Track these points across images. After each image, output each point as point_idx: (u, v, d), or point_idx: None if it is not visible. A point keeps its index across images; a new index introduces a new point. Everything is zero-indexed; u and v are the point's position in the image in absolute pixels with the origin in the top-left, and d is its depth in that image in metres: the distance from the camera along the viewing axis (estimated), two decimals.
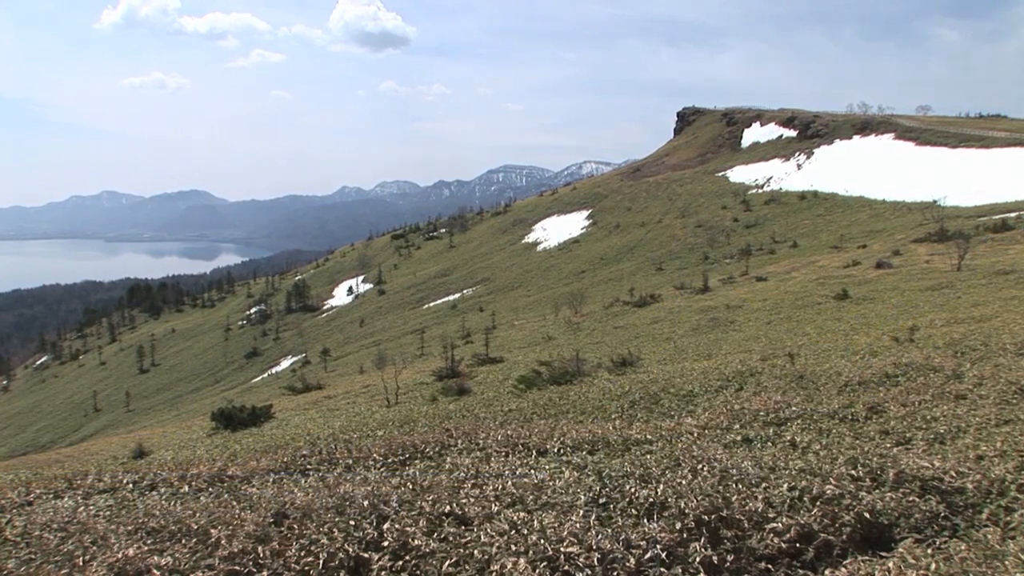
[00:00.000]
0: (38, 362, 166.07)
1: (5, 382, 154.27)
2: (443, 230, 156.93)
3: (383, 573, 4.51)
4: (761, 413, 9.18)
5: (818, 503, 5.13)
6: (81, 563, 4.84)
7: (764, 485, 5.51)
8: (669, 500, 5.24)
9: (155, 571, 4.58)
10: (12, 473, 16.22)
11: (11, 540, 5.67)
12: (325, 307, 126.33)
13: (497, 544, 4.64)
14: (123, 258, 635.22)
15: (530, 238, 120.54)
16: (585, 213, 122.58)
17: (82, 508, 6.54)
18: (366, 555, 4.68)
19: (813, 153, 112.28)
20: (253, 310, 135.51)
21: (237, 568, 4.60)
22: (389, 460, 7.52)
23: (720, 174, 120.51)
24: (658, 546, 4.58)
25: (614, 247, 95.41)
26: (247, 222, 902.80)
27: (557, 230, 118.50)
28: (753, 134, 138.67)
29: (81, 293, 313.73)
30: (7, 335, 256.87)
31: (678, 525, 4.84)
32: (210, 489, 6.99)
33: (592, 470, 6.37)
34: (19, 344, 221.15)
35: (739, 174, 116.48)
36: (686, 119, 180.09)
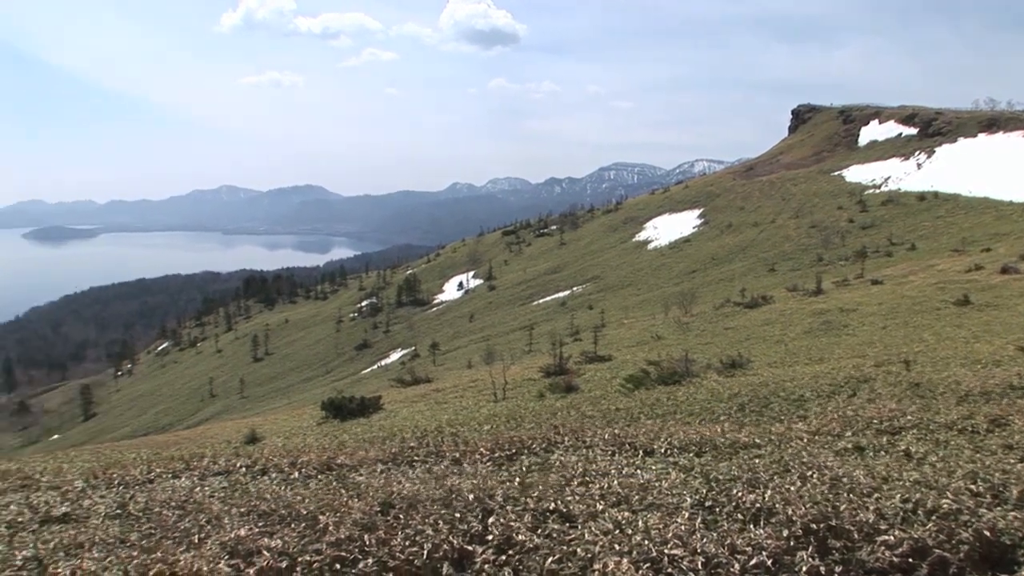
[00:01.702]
0: (159, 348, 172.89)
1: (129, 366, 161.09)
2: (554, 227, 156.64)
3: (486, 566, 4.53)
4: (874, 421, 8.91)
5: (933, 517, 4.92)
6: (197, 540, 5.03)
7: (876, 496, 5.34)
8: (777, 506, 5.13)
9: (265, 552, 4.70)
10: (135, 452, 16.93)
11: (134, 515, 5.96)
12: (435, 301, 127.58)
13: (601, 543, 4.62)
14: (240, 250, 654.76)
15: (641, 236, 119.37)
16: (697, 212, 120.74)
17: (198, 488, 6.81)
18: (470, 548, 4.72)
19: (934, 152, 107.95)
20: (364, 303, 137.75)
21: (343, 554, 4.69)
22: (496, 455, 7.55)
23: (836, 173, 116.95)
24: (764, 553, 4.50)
25: (726, 247, 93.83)
26: (360, 217, 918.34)
27: (668, 229, 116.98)
28: (871, 132, 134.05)
29: (200, 283, 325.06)
30: (132, 322, 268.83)
31: (785, 532, 4.72)
32: (319, 476, 7.16)
33: (699, 472, 6.29)
34: (142, 331, 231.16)
35: (855, 173, 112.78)
36: (801, 117, 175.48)
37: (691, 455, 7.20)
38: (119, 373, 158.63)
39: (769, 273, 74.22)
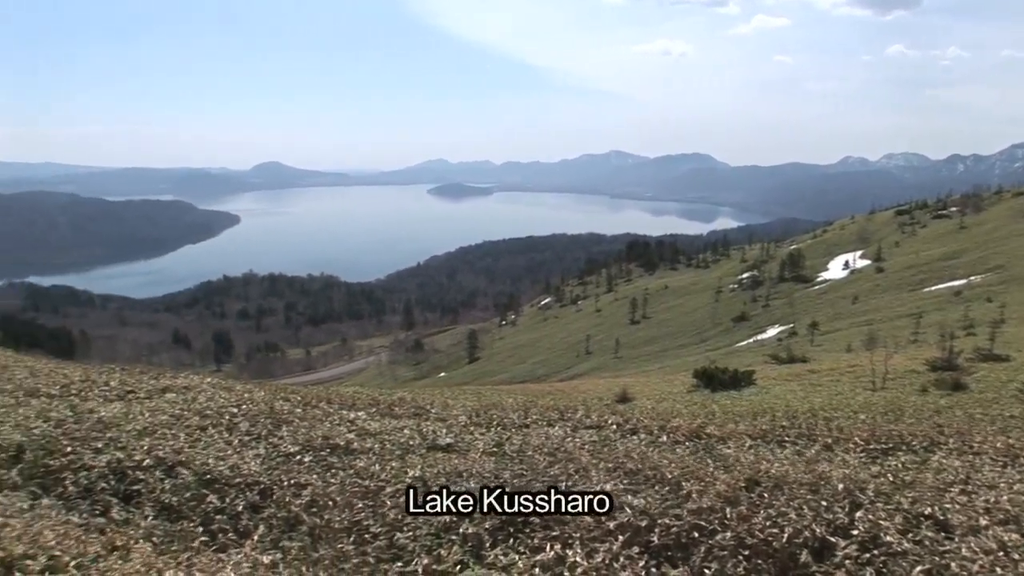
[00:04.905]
0: (542, 302, 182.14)
1: (513, 317, 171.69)
2: (953, 209, 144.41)
3: (847, 562, 4.33)
4: None
5: None
6: (563, 487, 5.29)
7: None
8: None
9: (627, 508, 4.84)
10: (512, 397, 18.11)
11: (508, 455, 6.40)
12: (818, 279, 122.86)
13: (980, 562, 4.22)
14: (625, 214, 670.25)
15: None
16: None
17: (569, 439, 7.12)
18: (832, 539, 4.53)
19: None
20: (745, 275, 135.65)
21: (702, 523, 4.70)
22: (870, 446, 7.16)
23: None
24: None
25: None
26: (746, 187, 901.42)
27: None
28: None
29: (585, 244, 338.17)
30: (519, 276, 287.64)
31: None
32: (687, 443, 7.19)
33: None
34: (528, 285, 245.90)
35: None
36: None
37: None
38: (503, 322, 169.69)
39: None
